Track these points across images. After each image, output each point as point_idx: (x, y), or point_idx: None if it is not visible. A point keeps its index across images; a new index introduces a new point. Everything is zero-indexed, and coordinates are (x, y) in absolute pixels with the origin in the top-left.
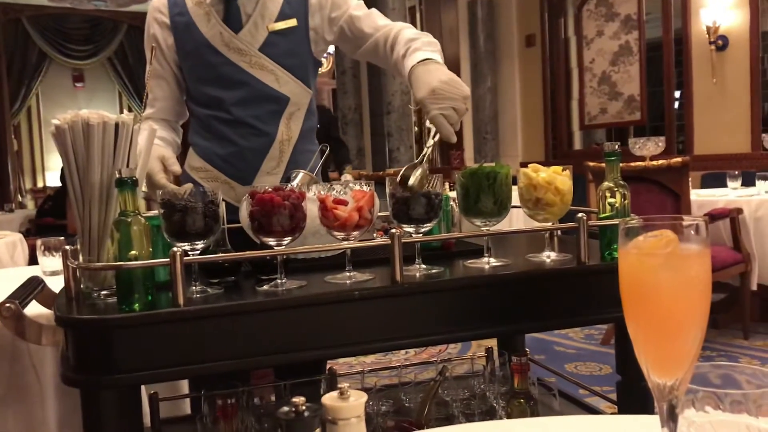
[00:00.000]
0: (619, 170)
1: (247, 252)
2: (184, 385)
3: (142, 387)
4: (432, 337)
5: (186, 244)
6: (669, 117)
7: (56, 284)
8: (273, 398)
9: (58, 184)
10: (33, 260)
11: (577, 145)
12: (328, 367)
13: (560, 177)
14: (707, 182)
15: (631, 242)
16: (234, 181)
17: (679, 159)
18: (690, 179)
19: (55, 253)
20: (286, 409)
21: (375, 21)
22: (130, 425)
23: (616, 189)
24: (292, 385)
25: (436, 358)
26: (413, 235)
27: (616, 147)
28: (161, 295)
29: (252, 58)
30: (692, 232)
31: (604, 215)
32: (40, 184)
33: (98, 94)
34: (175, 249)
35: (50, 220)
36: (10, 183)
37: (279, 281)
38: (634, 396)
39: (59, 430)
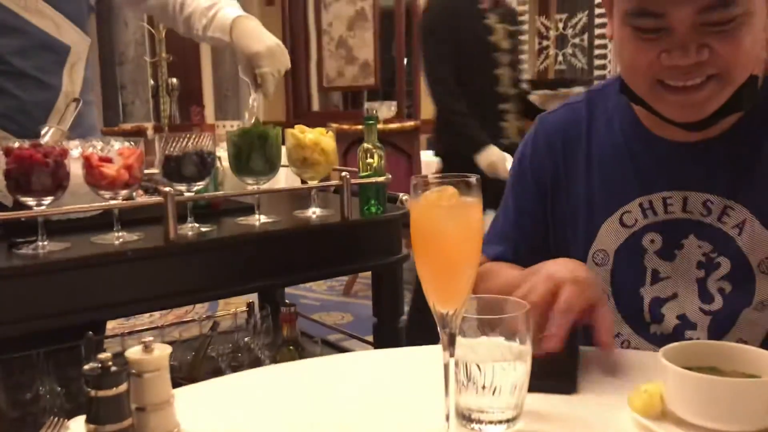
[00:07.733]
0: (376, 133)
1: (6, 213)
2: None
3: None
4: (207, 293)
5: None
6: (399, 83)
7: None
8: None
9: None
10: None
11: (316, 106)
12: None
13: (325, 138)
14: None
15: (422, 195)
16: (16, 138)
17: (411, 123)
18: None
19: None
20: (93, 365)
21: None
22: None
23: (374, 150)
24: (48, 353)
25: (198, 318)
26: (185, 194)
27: (375, 112)
28: None
29: (28, 2)
30: (468, 187)
31: (364, 174)
32: None
33: None
34: None
35: None
36: None
37: (40, 243)
38: (388, 336)
39: None
